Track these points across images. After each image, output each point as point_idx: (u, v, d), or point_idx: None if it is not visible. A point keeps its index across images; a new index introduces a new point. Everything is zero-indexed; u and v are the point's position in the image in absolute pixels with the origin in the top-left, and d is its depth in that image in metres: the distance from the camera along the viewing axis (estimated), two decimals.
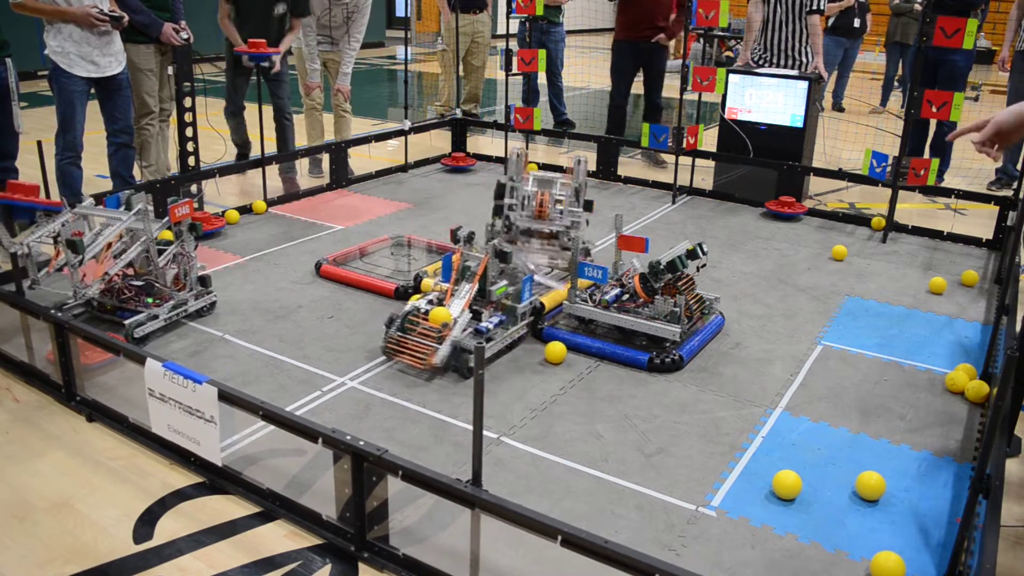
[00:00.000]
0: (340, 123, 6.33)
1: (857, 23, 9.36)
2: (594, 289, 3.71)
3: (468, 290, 3.47)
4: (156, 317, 3.55)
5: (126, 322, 3.44)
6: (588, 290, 3.70)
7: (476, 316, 3.47)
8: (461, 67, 8.24)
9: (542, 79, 8.02)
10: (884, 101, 10.11)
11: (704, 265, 3.60)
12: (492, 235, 3.90)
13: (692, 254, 3.49)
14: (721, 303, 3.93)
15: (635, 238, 3.68)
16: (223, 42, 5.73)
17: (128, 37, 4.89)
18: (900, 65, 9.53)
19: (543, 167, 6.59)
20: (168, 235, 3.76)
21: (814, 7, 5.84)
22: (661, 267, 3.49)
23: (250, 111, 5.90)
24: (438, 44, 8.60)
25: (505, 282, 3.58)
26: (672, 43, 7.04)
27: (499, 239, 3.63)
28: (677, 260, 3.46)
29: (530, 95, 6.76)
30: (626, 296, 3.63)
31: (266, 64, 5.41)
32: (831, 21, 9.01)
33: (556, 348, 3.44)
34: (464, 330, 3.36)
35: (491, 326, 3.41)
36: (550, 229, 3.84)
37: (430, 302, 3.46)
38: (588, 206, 3.87)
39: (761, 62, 6.11)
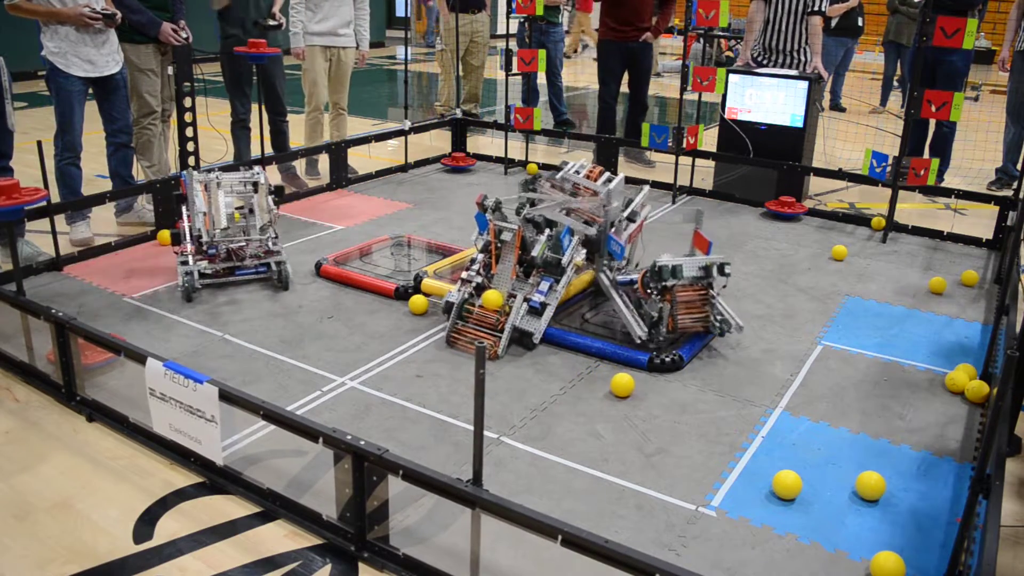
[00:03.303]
0: (338, 121, 6.33)
1: (860, 22, 9.38)
2: (618, 266, 3.77)
3: (511, 262, 3.59)
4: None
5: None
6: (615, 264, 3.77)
7: (527, 274, 3.64)
8: (460, 67, 8.23)
9: (541, 79, 8.02)
10: (884, 101, 10.12)
11: (724, 286, 3.59)
12: (521, 205, 3.79)
13: (706, 270, 3.45)
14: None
15: (702, 239, 3.67)
16: (218, 43, 5.61)
17: (127, 37, 4.88)
18: (899, 65, 9.53)
19: (543, 167, 6.60)
20: (165, 237, 3.78)
21: (815, 8, 5.82)
22: (655, 269, 3.46)
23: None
24: (437, 44, 8.60)
25: (542, 238, 3.61)
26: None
27: (527, 208, 3.70)
28: (668, 268, 3.42)
29: (530, 95, 6.76)
30: (635, 285, 3.62)
31: (273, 23, 5.37)
32: (834, 22, 9.02)
33: (622, 380, 3.21)
34: (520, 314, 3.51)
35: (543, 297, 3.51)
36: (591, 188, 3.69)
37: (478, 272, 3.63)
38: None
39: (764, 61, 6.10)
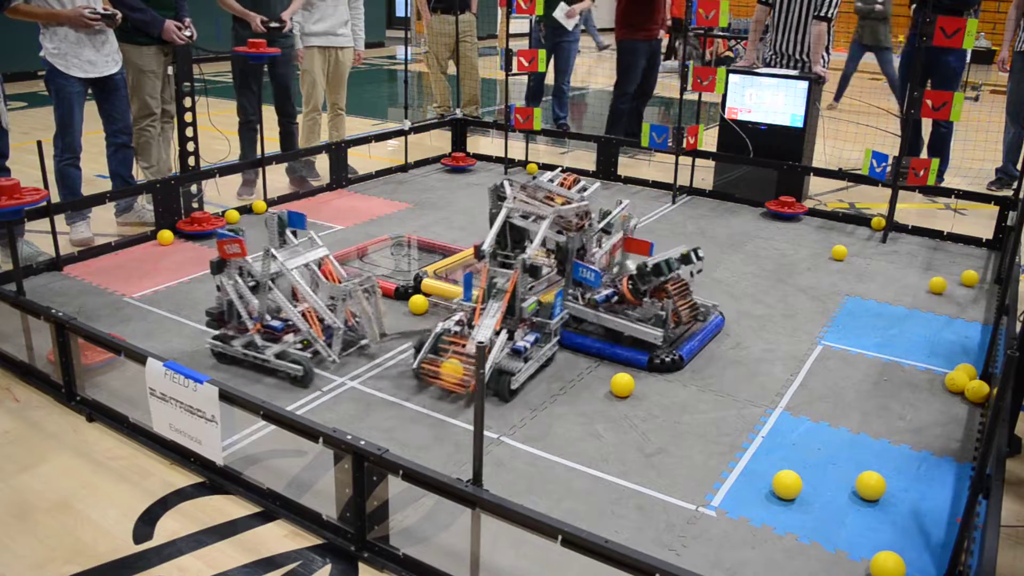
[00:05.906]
0: (336, 121, 6.32)
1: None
2: (586, 288, 3.62)
3: (497, 308, 3.22)
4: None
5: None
6: (582, 288, 3.64)
7: (510, 335, 3.27)
8: (451, 68, 8.20)
9: (549, 79, 7.99)
10: (838, 96, 10.12)
11: (700, 271, 3.56)
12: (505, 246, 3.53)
13: (685, 258, 3.42)
14: (721, 303, 3.93)
15: (640, 241, 3.66)
16: (229, 41, 5.56)
17: (130, 38, 4.85)
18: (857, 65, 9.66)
19: (543, 167, 6.60)
20: (165, 237, 3.70)
21: (820, 12, 5.78)
22: (647, 269, 3.42)
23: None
24: (421, 47, 8.57)
25: (535, 298, 3.37)
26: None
27: (529, 252, 3.34)
28: (663, 263, 3.39)
29: (532, 94, 6.77)
30: (616, 298, 3.56)
31: (275, 25, 5.33)
32: None
33: (622, 380, 3.20)
34: (502, 350, 3.20)
35: (528, 345, 3.27)
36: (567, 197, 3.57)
37: (458, 323, 3.30)
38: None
39: (773, 64, 6.10)
